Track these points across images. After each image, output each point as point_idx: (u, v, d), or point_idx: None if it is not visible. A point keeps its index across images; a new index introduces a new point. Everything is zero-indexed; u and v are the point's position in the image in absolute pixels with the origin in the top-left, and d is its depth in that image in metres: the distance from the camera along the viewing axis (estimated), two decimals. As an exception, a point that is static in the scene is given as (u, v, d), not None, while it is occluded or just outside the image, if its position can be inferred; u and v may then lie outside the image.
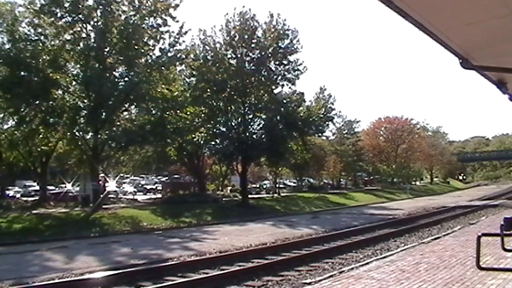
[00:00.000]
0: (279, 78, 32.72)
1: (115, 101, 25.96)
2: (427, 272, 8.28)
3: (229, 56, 32.07)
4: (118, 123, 28.66)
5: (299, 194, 42.27)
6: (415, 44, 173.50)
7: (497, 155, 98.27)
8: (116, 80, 27.13)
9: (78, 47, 25.95)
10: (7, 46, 24.91)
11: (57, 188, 37.09)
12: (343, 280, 7.86)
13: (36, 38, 25.47)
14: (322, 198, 38.86)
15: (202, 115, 31.85)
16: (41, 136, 27.93)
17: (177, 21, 27.12)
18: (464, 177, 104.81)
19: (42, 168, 31.94)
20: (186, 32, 27.64)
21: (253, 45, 31.64)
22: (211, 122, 32.32)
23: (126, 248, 14.27)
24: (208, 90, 30.94)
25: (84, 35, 26.42)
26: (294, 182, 54.17)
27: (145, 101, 27.09)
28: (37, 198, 31.26)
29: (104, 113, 26.05)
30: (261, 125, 33.83)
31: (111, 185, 31.81)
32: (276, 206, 32.59)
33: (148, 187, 46.43)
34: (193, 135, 30.79)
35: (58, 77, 25.73)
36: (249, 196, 34.72)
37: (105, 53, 26.39)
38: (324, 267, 10.80)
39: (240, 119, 32.68)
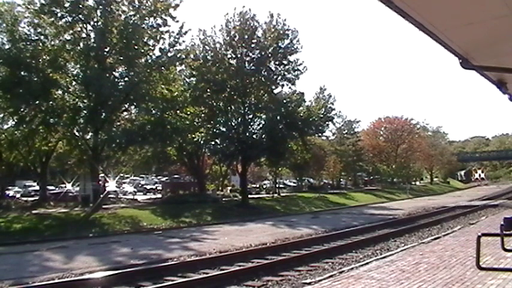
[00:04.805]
0: (279, 78, 32.74)
1: (115, 101, 25.96)
2: (427, 272, 8.28)
3: (229, 56, 32.08)
4: (118, 123, 28.70)
5: (299, 194, 42.25)
6: (415, 44, 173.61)
7: (497, 155, 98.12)
8: (116, 80, 27.14)
9: (78, 47, 25.95)
10: (7, 46, 24.92)
11: (57, 188, 37.13)
12: (343, 280, 7.85)
13: (36, 38, 25.49)
14: (322, 198, 38.85)
15: (202, 115, 31.87)
16: (40, 136, 27.96)
17: (177, 21, 27.20)
18: (483, 176, 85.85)
19: (42, 168, 31.97)
20: (186, 32, 27.71)
21: (253, 45, 31.65)
22: (211, 122, 32.33)
23: (126, 248, 14.27)
24: (208, 90, 30.94)
25: (84, 35, 26.44)
26: (294, 182, 54.13)
27: (145, 101, 27.08)
28: (37, 198, 31.27)
29: (103, 113, 26.07)
30: (261, 125, 33.84)
31: (111, 185, 31.82)
32: (276, 206, 32.58)
33: (148, 187, 46.41)
34: (193, 135, 30.79)
35: (58, 77, 25.73)
36: (249, 196, 34.71)
37: (105, 53, 26.40)
38: (324, 267, 10.80)
39: (240, 119, 32.68)
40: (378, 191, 52.14)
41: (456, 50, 3.54)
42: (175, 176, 45.98)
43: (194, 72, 31.37)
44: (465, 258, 9.51)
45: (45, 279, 10.00)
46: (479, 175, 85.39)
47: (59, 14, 24.88)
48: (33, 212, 23.79)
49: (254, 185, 49.10)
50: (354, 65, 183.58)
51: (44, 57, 25.08)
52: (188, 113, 30.11)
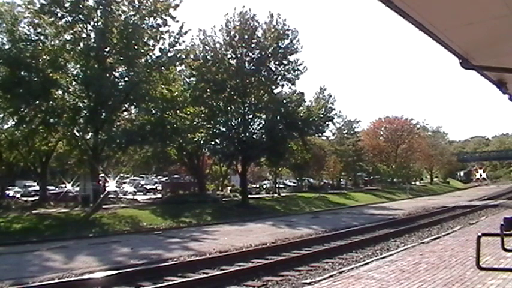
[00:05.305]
0: (279, 78, 32.74)
1: (115, 101, 25.96)
2: (427, 272, 8.28)
3: (229, 56, 32.07)
4: (118, 123, 28.70)
5: (299, 194, 42.25)
6: (415, 44, 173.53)
7: (497, 155, 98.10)
8: (116, 80, 27.14)
9: (78, 47, 25.95)
10: (7, 46, 24.92)
11: (57, 188, 37.15)
12: (343, 280, 7.86)
13: (36, 38, 25.50)
14: (322, 198, 38.84)
15: (202, 115, 31.85)
16: (40, 136, 27.95)
17: (177, 21, 27.20)
18: (484, 176, 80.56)
19: (42, 168, 31.98)
20: (186, 32, 27.71)
21: (253, 45, 31.64)
22: (211, 122, 32.31)
23: (126, 248, 14.27)
24: (208, 90, 30.93)
25: (84, 35, 26.42)
26: (294, 182, 54.13)
27: (145, 101, 27.08)
28: (37, 198, 31.28)
29: (103, 113, 26.07)
30: (261, 125, 33.84)
31: (111, 185, 31.81)
32: (276, 206, 32.58)
33: (148, 187, 46.42)
34: (193, 135, 30.79)
35: (58, 77, 25.73)
36: (249, 196, 34.71)
37: (105, 53, 26.39)
38: (324, 267, 10.80)
39: (240, 119, 32.67)
40: (378, 191, 52.13)
41: (456, 50, 3.54)
42: (175, 176, 45.98)
43: (194, 72, 31.35)
44: (465, 258, 9.51)
45: (45, 279, 10.00)
46: (481, 175, 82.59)
47: (59, 14, 24.87)
48: (33, 212, 23.79)
49: (254, 185, 49.09)
50: (354, 65, 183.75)
51: (44, 57, 25.06)
52: (188, 113, 30.10)
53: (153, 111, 28.33)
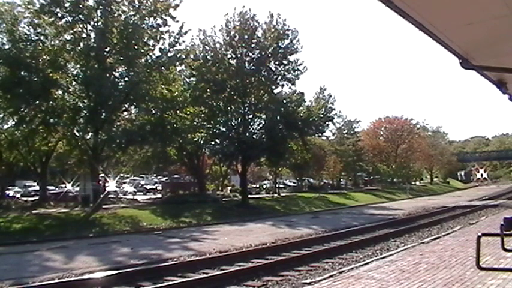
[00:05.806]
0: (279, 78, 32.75)
1: (115, 101, 25.96)
2: (427, 272, 8.28)
3: (229, 56, 32.08)
4: (118, 123, 28.70)
5: (299, 194, 42.25)
6: (415, 44, 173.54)
7: (497, 155, 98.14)
8: (116, 80, 27.14)
9: (78, 47, 25.95)
10: (7, 46, 24.92)
11: (57, 188, 37.15)
12: (343, 280, 7.86)
13: (36, 38, 25.50)
14: (322, 198, 38.84)
15: (202, 115, 31.86)
16: (40, 136, 27.96)
17: (177, 21, 27.23)
18: (485, 176, 75.08)
19: (42, 168, 31.99)
20: (186, 32, 27.73)
21: (253, 45, 31.65)
22: (211, 122, 32.32)
23: (126, 248, 14.27)
24: (208, 90, 30.94)
25: (84, 35, 26.42)
26: (294, 182, 54.13)
27: (145, 101, 27.09)
28: (37, 198, 31.28)
29: (103, 113, 26.07)
30: (261, 125, 33.85)
31: (111, 185, 31.81)
32: (276, 206, 32.58)
33: (148, 187, 46.41)
34: (193, 135, 30.79)
35: (58, 77, 25.74)
36: (249, 196, 34.71)
37: (105, 53, 26.39)
38: (324, 267, 10.80)
39: (240, 119, 32.68)
40: (377, 191, 52.11)
41: (456, 50, 3.54)
42: (175, 176, 45.95)
43: (194, 72, 31.36)
44: (465, 258, 9.51)
45: (45, 279, 10.01)
46: (481, 175, 78.05)
47: (59, 14, 24.88)
48: (33, 212, 23.79)
49: (254, 185, 49.08)
50: (353, 65, 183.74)
51: (44, 57, 25.07)
52: (188, 113, 30.11)
53: (153, 111, 28.35)
